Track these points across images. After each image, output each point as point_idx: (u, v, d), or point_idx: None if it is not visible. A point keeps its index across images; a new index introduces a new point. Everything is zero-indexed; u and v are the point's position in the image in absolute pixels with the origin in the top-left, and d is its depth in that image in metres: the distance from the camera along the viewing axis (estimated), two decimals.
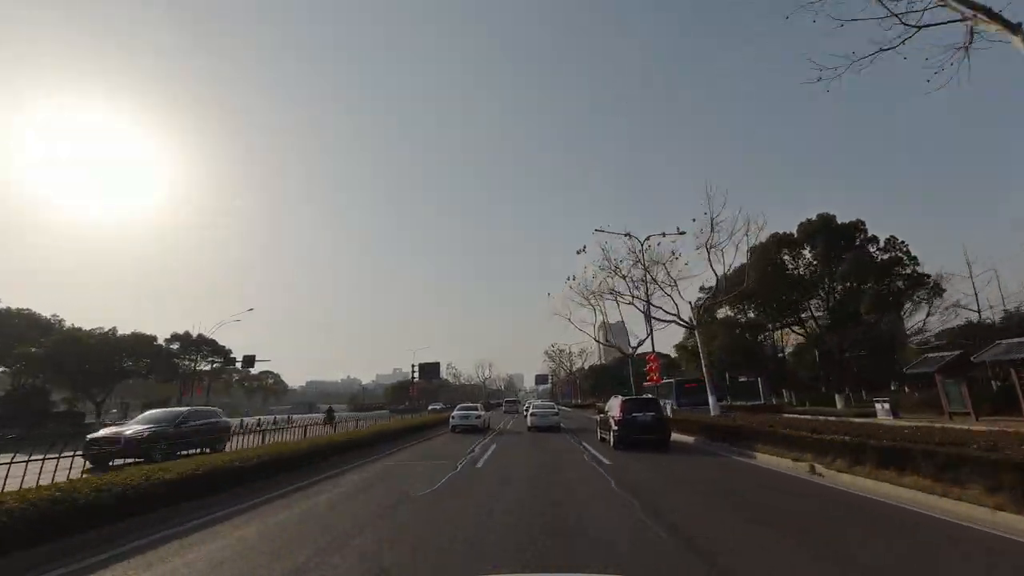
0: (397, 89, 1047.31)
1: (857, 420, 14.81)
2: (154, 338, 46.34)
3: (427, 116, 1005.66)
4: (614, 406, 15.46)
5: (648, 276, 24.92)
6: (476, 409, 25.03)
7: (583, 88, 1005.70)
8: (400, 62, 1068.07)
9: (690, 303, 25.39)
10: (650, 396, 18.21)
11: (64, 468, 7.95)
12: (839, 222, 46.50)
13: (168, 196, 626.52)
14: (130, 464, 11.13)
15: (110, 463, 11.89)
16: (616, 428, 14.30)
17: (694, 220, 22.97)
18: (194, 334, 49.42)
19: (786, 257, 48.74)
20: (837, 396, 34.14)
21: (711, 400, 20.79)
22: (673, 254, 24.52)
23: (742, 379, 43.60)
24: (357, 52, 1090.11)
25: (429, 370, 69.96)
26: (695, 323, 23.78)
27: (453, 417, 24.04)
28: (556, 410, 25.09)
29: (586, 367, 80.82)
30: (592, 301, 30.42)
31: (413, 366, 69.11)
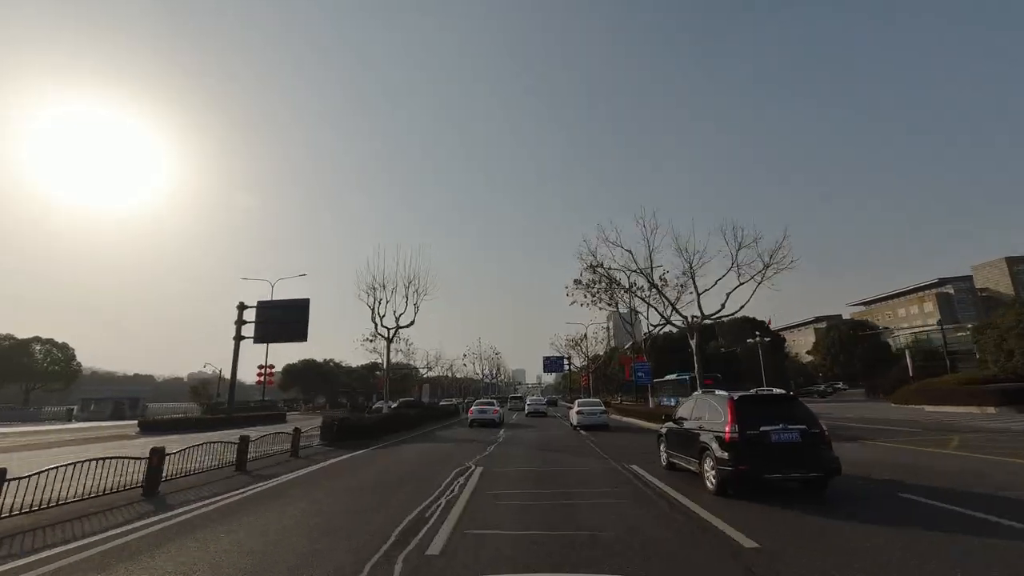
0: (398, 80, 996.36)
1: None
2: None
3: (428, 109, 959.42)
4: (713, 410, 8.30)
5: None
6: (493, 404, 27.34)
7: (584, 82, 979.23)
8: (402, 54, 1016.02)
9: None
10: (786, 392, 8.68)
11: None
12: None
13: (164, 193, 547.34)
14: None
15: None
16: (727, 456, 7.30)
17: None
18: None
19: None
20: None
21: None
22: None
23: None
24: (358, 45, 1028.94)
25: (283, 313, 32.26)
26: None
27: (472, 412, 26.60)
28: (603, 408, 24.78)
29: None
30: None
31: (243, 307, 31.40)
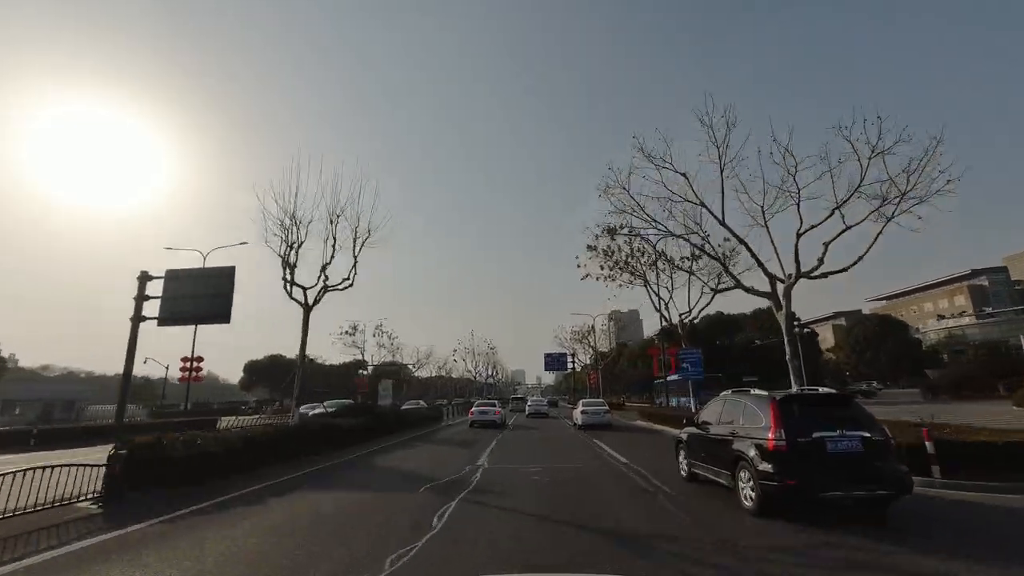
0: (396, 80, 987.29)
1: None
2: None
3: (428, 109, 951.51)
4: (749, 413, 6.99)
5: None
6: (494, 406, 27.05)
7: (583, 82, 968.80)
8: (400, 53, 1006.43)
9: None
10: (837, 392, 7.49)
11: None
12: None
13: (164, 193, 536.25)
14: None
15: None
16: (771, 468, 6.05)
17: None
18: None
19: None
20: None
21: None
22: None
23: None
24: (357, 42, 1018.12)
25: (198, 285, 24.36)
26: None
27: (472, 413, 26.56)
28: (607, 408, 24.80)
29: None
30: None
31: (146, 278, 23.53)
